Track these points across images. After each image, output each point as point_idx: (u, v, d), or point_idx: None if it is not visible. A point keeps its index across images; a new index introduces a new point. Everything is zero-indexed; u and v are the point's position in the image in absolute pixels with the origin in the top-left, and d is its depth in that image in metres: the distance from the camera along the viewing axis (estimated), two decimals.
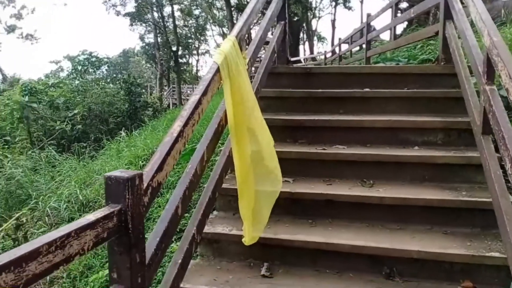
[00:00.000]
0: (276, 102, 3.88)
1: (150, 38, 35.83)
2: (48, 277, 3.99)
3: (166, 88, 34.57)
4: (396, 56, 7.44)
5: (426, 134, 3.31)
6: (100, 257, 4.07)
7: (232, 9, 24.05)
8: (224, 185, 2.84)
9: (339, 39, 16.62)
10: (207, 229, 2.62)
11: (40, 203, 5.91)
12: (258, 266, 2.54)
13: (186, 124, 1.92)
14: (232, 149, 2.38)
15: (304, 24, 31.78)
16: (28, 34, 34.39)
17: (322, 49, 36.24)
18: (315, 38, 38.11)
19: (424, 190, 2.83)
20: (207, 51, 42.84)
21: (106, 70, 35.14)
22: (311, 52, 33.09)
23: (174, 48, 32.34)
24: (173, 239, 2.59)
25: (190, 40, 38.61)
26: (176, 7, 33.10)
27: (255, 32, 3.96)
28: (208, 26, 39.29)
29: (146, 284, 1.53)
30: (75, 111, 14.42)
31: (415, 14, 6.14)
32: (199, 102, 2.09)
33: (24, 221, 5.42)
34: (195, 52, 42.08)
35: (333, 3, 34.13)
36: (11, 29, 33.17)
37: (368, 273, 2.43)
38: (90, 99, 15.83)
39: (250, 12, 3.27)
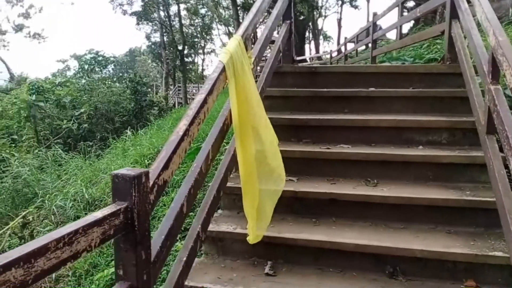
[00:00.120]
0: (281, 101, 3.89)
1: (156, 37, 36.03)
2: (53, 275, 4.02)
3: (171, 87, 34.62)
4: (402, 55, 7.39)
5: (431, 133, 3.31)
6: (105, 255, 4.09)
7: (238, 8, 24.07)
8: (228, 184, 2.85)
9: (345, 38, 16.56)
10: (212, 227, 2.65)
11: (46, 201, 5.95)
12: (262, 264, 2.56)
13: (191, 123, 1.93)
14: (236, 148, 2.39)
15: (310, 23, 31.70)
16: (36, 33, 34.82)
17: (328, 48, 36.20)
18: (321, 37, 37.96)
19: (428, 189, 2.83)
20: (213, 50, 42.92)
21: (112, 69, 35.23)
22: (317, 51, 32.99)
23: (180, 47, 32.45)
24: (177, 238, 2.61)
25: (196, 39, 38.68)
26: (182, 6, 33.24)
27: (261, 31, 3.96)
28: (214, 25, 39.39)
29: (151, 281, 1.54)
30: (82, 110, 14.53)
31: (422, 13, 6.10)
32: (204, 101, 2.10)
33: (31, 219, 5.46)
34: (201, 51, 42.17)
35: (339, 2, 34.06)
36: (19, 28, 33.49)
37: (371, 272, 2.43)
38: (96, 98, 15.94)
39: (256, 11, 3.28)
